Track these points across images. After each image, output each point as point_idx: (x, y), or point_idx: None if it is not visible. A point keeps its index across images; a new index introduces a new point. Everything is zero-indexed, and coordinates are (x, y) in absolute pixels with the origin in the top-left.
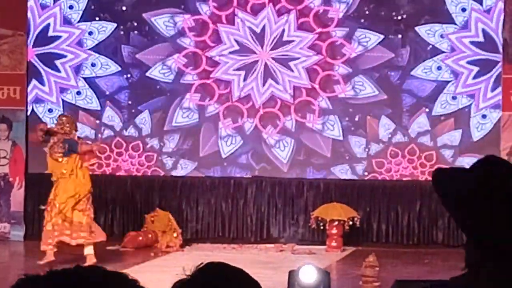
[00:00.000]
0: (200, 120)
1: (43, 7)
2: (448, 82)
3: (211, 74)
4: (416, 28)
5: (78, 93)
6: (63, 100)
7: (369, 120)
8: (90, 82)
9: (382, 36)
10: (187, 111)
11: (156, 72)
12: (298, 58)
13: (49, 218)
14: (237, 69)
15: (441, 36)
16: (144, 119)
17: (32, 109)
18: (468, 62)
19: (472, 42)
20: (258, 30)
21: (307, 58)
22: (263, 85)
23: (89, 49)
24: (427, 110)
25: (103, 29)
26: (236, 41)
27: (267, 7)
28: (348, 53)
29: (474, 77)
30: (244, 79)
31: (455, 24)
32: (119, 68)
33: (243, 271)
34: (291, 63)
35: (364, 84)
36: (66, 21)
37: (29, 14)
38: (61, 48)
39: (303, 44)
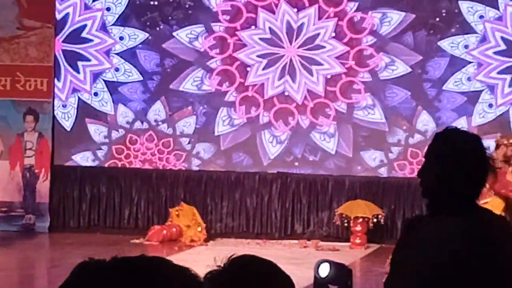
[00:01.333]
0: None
1: (87, 7)
2: (482, 91)
3: (234, 53)
4: (439, 43)
5: (117, 69)
6: (79, 99)
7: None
8: (124, 56)
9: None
10: (227, 118)
11: (188, 86)
12: (322, 65)
13: None
14: (266, 68)
15: (465, 46)
16: (158, 110)
17: (79, 98)
18: (499, 73)
19: (495, 53)
20: (295, 26)
21: (330, 67)
22: (279, 79)
23: (116, 53)
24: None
25: (134, 36)
26: (270, 29)
27: (312, 7)
28: (374, 64)
29: (510, 85)
30: (263, 68)
31: (476, 33)
32: (141, 78)
33: (274, 264)
34: (314, 67)
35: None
36: (103, 27)
37: (70, 10)
38: (88, 51)
39: (332, 53)
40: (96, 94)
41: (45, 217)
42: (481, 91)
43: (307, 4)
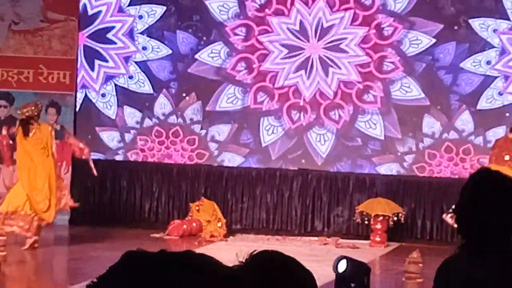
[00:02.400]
0: (247, 111)
1: (120, 10)
2: (496, 77)
3: (260, 62)
4: (470, 21)
5: (130, 77)
6: (115, 85)
7: (416, 118)
8: (142, 66)
9: (434, 40)
10: (233, 98)
11: (205, 56)
12: (347, 52)
13: None
14: (285, 60)
15: (494, 31)
16: (194, 109)
17: (86, 95)
18: None
19: None
20: (311, 22)
21: (356, 55)
22: (309, 78)
23: (139, 33)
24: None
25: (153, 12)
26: (289, 30)
27: (347, 12)
28: (398, 50)
29: None
30: (293, 71)
31: (510, 20)
32: (170, 51)
33: (296, 260)
34: (340, 59)
35: (410, 86)
36: (130, 33)
37: (103, 8)
38: (108, 53)
39: (354, 42)
40: (103, 95)
41: (66, 210)
42: None
43: (342, 7)
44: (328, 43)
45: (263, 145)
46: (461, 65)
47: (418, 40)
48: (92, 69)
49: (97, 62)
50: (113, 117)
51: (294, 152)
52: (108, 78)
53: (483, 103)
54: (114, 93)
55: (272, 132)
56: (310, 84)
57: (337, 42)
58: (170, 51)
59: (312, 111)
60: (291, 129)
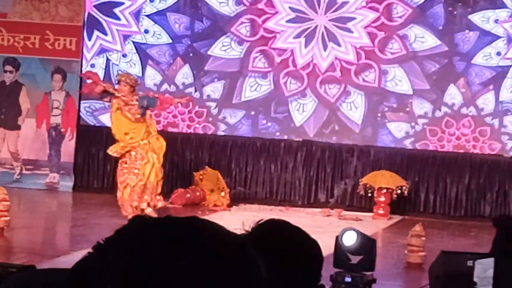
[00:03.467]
0: (265, 87)
1: None
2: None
3: (271, 44)
4: (470, 17)
5: (124, 55)
6: (133, 42)
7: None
8: (139, 47)
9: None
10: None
11: (217, 50)
12: (355, 19)
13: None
14: (296, 37)
15: (495, 21)
16: (183, 72)
17: (107, 59)
18: None
19: None
20: None
21: (364, 17)
22: (325, 49)
23: (146, 15)
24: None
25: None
26: (291, 8)
27: None
28: (404, 10)
29: None
30: (305, 46)
31: (508, 7)
32: (171, 41)
33: (302, 230)
34: (349, 24)
35: (425, 36)
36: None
37: None
38: (118, 11)
39: (362, 23)
40: (124, 55)
41: (70, 176)
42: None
43: None
44: (334, 11)
45: (290, 131)
46: (472, 61)
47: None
48: (89, 38)
49: (96, 33)
50: (140, 75)
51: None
52: (102, 51)
53: (504, 94)
54: (104, 66)
55: (255, 90)
56: (326, 56)
57: (341, 8)
58: (171, 40)
59: (334, 82)
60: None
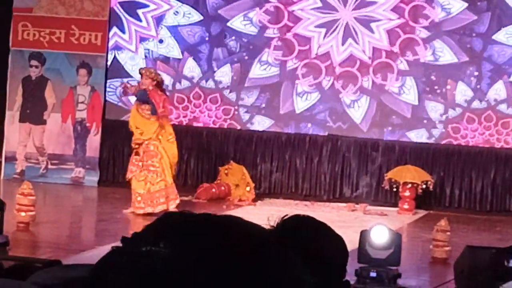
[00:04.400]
0: (279, 76)
1: None
2: None
3: (292, 29)
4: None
5: (160, 41)
6: (145, 49)
7: (447, 85)
8: (172, 30)
9: (466, 4)
10: (266, 65)
11: (237, 23)
12: (380, 20)
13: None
14: (318, 26)
15: None
16: (224, 72)
17: (114, 56)
18: None
19: None
20: None
21: (389, 20)
22: (343, 44)
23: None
24: (509, 79)
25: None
26: (314, 9)
27: None
28: (431, 16)
29: None
30: (324, 37)
31: None
32: (201, 18)
33: (327, 226)
34: (373, 25)
35: (444, 51)
36: None
37: None
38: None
39: (386, 6)
40: (161, 41)
41: (95, 171)
42: None
43: None
44: (359, 8)
45: (297, 111)
46: (493, 37)
47: (450, 5)
48: (139, 19)
49: (140, 11)
50: (180, 57)
51: (328, 116)
52: (115, 48)
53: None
54: (143, 56)
55: (306, 99)
56: (343, 50)
57: (368, 7)
58: (202, 17)
59: (344, 77)
60: (327, 94)
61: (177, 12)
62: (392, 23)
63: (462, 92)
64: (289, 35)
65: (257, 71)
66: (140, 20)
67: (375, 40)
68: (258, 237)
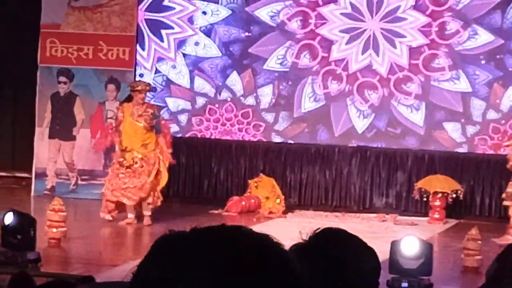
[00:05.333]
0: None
1: None
2: None
3: (316, 29)
4: None
5: (173, 67)
6: (156, 69)
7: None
8: (188, 59)
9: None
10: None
11: (273, 64)
12: (405, 37)
13: None
14: (350, 45)
15: None
16: (263, 91)
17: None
18: None
19: None
20: (360, 1)
21: (414, 39)
22: (362, 53)
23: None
24: None
25: (217, 12)
26: (350, 3)
27: None
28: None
29: None
30: (346, 43)
31: None
32: (220, 54)
33: (359, 238)
34: (397, 40)
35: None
36: None
37: None
38: (171, 19)
39: (414, 25)
40: (174, 67)
41: None
42: None
43: None
44: (385, 15)
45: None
46: None
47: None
48: (162, 39)
49: (164, 31)
50: (188, 86)
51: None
52: (180, 44)
53: None
54: (183, 63)
55: (364, 117)
56: (382, 61)
57: (393, 12)
58: (230, 12)
59: (391, 86)
60: (368, 109)
61: (197, 42)
62: (416, 42)
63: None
64: (321, 55)
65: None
66: (162, 41)
67: (395, 55)
68: (267, 254)
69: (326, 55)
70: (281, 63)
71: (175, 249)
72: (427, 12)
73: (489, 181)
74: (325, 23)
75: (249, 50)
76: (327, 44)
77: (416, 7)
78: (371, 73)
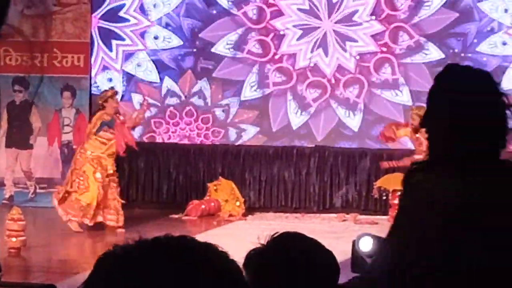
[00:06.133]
0: (266, 92)
1: None
2: None
3: (270, 20)
4: (478, 4)
5: (138, 65)
6: (123, 71)
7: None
8: (152, 54)
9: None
10: (254, 84)
11: (221, 48)
12: (356, 42)
13: None
14: (301, 40)
15: (505, 11)
16: (207, 89)
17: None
18: None
19: None
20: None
21: (364, 45)
22: (311, 51)
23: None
24: None
25: (168, 2)
26: (299, 10)
27: None
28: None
29: None
30: (298, 39)
31: None
32: (182, 42)
33: (318, 242)
34: (348, 44)
35: (430, 49)
36: (142, 8)
37: None
38: (124, 31)
39: (367, 32)
40: (139, 64)
41: None
42: None
43: None
44: (340, 17)
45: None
46: (477, 49)
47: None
48: (110, 49)
49: (114, 42)
50: (158, 81)
51: (321, 129)
52: (127, 56)
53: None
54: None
55: (297, 113)
56: (329, 61)
57: (349, 15)
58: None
59: (332, 87)
60: (314, 107)
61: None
62: (373, 28)
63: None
64: (272, 50)
65: (248, 93)
66: (111, 50)
67: (360, 46)
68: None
69: (275, 47)
70: (229, 49)
71: (119, 266)
72: (383, 21)
73: None
74: (280, 15)
75: (200, 35)
76: (279, 37)
77: (373, 14)
78: (317, 72)
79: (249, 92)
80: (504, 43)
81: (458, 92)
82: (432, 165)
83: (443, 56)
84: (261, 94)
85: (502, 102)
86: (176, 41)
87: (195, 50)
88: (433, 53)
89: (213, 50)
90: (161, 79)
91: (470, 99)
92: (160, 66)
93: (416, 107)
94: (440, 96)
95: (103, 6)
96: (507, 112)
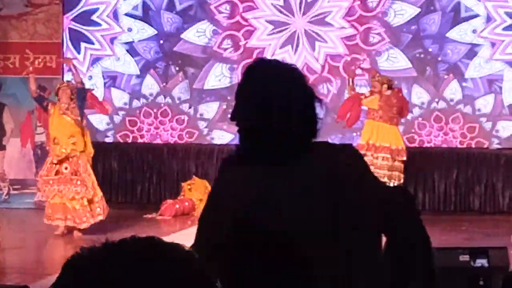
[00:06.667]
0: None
1: None
2: (483, 45)
3: (243, 13)
4: (447, 35)
5: (118, 59)
6: (102, 67)
7: (403, 87)
8: (127, 47)
9: (418, 10)
10: (221, 76)
11: (191, 35)
12: (326, 43)
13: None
14: (271, 36)
15: (473, 31)
16: (180, 87)
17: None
18: (504, 29)
19: (504, 29)
20: None
21: (342, 28)
22: (295, 53)
23: (124, 14)
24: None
25: (143, 31)
26: (273, 5)
27: None
28: (383, 22)
29: None
30: (280, 47)
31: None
32: (156, 32)
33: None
34: (326, 32)
35: (398, 57)
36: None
37: None
38: (94, 34)
39: (338, 33)
40: (90, 77)
41: None
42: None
43: None
44: (313, 17)
45: None
46: (447, 34)
47: (403, 10)
48: (79, 52)
49: (83, 44)
50: (100, 100)
51: None
52: (95, 60)
53: (470, 72)
54: (101, 75)
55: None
56: (296, 59)
57: (322, 16)
58: (156, 31)
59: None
60: None
61: (130, 28)
62: (345, 31)
63: (417, 94)
64: (242, 44)
65: (211, 82)
66: (79, 53)
67: (329, 48)
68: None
69: (245, 40)
70: (199, 37)
71: (85, 268)
72: (355, 24)
73: (421, 174)
74: (253, 9)
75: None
76: (249, 30)
77: (346, 16)
78: (308, 70)
79: (214, 82)
80: None
81: (265, 86)
82: (242, 158)
83: (409, 65)
84: (229, 85)
85: (310, 94)
86: (150, 31)
87: (165, 45)
88: (401, 61)
89: (182, 36)
90: (139, 77)
91: (277, 91)
92: (133, 65)
93: (377, 75)
94: (246, 90)
95: (77, 8)
96: (316, 103)
